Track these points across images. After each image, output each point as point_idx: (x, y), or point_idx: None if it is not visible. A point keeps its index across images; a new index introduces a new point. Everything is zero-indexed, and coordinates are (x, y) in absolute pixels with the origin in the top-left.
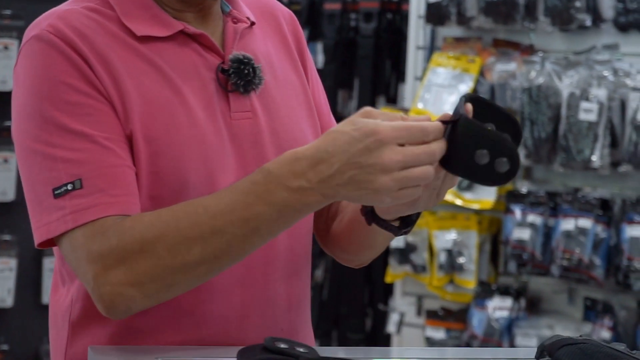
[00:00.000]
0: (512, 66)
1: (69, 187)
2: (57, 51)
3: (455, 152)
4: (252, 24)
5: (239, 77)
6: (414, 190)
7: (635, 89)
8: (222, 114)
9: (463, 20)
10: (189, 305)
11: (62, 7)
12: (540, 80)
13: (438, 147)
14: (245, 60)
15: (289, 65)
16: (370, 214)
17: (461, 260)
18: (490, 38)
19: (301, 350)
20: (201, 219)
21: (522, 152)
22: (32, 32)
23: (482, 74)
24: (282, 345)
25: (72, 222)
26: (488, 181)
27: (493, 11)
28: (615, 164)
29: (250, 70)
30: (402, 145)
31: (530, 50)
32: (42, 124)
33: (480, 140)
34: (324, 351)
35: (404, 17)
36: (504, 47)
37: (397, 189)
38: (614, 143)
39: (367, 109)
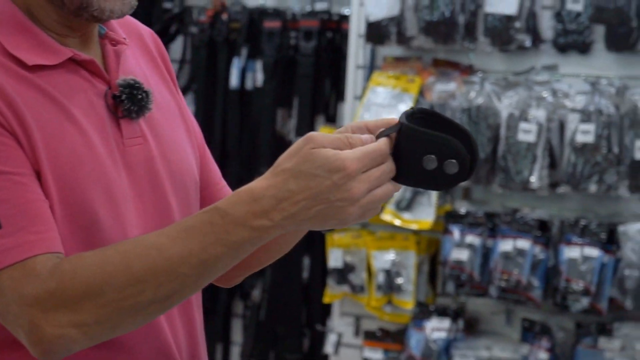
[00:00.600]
0: (451, 86)
1: None
2: None
3: (402, 163)
4: (125, 45)
5: (132, 102)
6: (377, 209)
7: (574, 110)
8: (115, 141)
9: (403, 39)
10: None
11: None
12: (480, 100)
13: (393, 163)
14: (137, 85)
15: (163, 85)
16: None
17: (399, 280)
18: (430, 58)
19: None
20: (155, 260)
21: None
22: None
23: (421, 93)
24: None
25: None
26: (440, 186)
27: (433, 31)
28: (553, 185)
29: (143, 94)
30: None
31: (469, 70)
32: None
33: (425, 145)
34: None
35: (344, 36)
36: (444, 67)
37: (363, 212)
38: (553, 164)
39: (311, 135)
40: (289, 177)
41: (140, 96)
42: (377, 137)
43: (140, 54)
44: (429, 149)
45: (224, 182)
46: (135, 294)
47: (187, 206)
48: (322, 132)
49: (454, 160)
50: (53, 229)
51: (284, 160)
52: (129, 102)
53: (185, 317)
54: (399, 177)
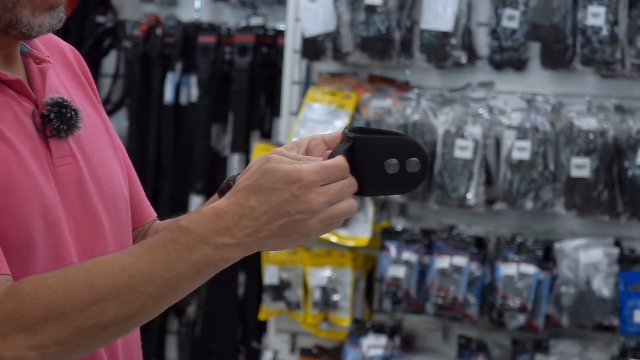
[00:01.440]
0: (387, 102)
1: None
2: None
3: (364, 175)
4: (48, 62)
5: (61, 121)
6: (339, 224)
7: (510, 127)
8: (47, 162)
9: (339, 55)
10: None
11: None
12: (416, 117)
13: (353, 178)
14: (65, 103)
15: (87, 103)
16: None
17: (336, 297)
18: (366, 74)
19: None
20: (118, 279)
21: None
22: None
23: (357, 110)
24: None
25: None
26: (407, 187)
27: (369, 47)
28: (490, 202)
29: (72, 113)
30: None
31: (405, 86)
32: None
33: (383, 151)
34: None
35: (279, 52)
36: (380, 83)
37: (325, 227)
38: (489, 181)
39: (268, 156)
40: (249, 193)
41: (69, 114)
42: (330, 157)
43: (63, 72)
44: (388, 154)
45: (147, 203)
46: (97, 313)
47: (119, 225)
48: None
49: (415, 158)
50: None
51: (244, 179)
52: (57, 120)
53: (124, 338)
54: (364, 190)
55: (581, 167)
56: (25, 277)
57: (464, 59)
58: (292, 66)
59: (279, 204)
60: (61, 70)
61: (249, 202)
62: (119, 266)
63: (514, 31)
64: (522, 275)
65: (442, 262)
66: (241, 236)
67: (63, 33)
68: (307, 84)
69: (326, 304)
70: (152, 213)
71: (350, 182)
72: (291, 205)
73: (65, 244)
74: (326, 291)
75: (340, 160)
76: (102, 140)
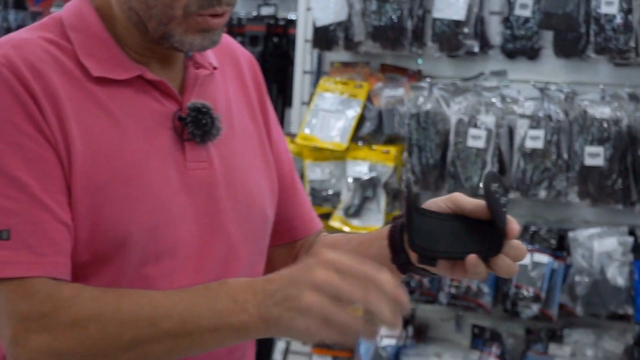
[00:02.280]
0: (399, 92)
1: None
2: (8, 87)
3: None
4: (214, 69)
5: (196, 126)
6: (334, 327)
7: (522, 116)
8: (176, 163)
9: (350, 45)
10: None
11: (19, 34)
12: (428, 106)
13: (387, 279)
14: (204, 110)
15: (247, 113)
16: (405, 264)
17: None
18: (377, 63)
19: None
20: (143, 308)
21: (411, 179)
22: None
23: (369, 99)
24: None
25: None
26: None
27: (381, 36)
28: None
29: (209, 120)
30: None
31: (418, 76)
32: None
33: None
34: None
35: (290, 41)
36: (392, 73)
37: (321, 316)
38: (502, 170)
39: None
40: (291, 269)
41: (204, 121)
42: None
43: (232, 79)
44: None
45: (313, 215)
46: (115, 336)
47: (250, 235)
48: None
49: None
50: (61, 253)
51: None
52: (192, 126)
53: None
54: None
55: (595, 156)
56: (75, 283)
57: (476, 47)
58: (303, 56)
59: (294, 272)
60: (230, 78)
61: (282, 271)
62: (148, 297)
63: (526, 20)
64: (536, 265)
65: None
66: (260, 297)
67: None
68: (318, 73)
69: None
70: (317, 225)
71: (380, 283)
72: (299, 274)
73: (170, 244)
74: None
75: (368, 267)
76: (251, 151)
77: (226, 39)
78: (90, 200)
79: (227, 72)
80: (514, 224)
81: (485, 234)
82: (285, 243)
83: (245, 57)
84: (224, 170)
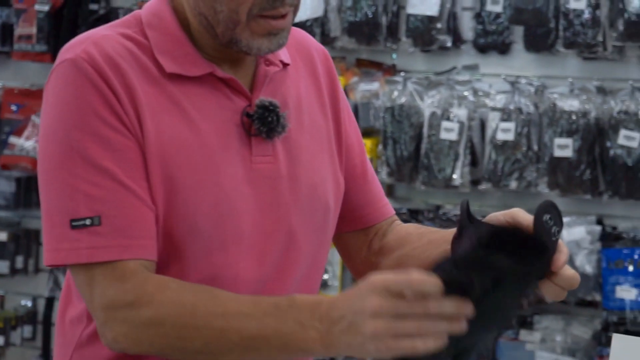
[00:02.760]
0: (375, 86)
1: (87, 222)
2: (89, 81)
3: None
4: (286, 66)
5: (262, 123)
6: (414, 342)
7: (494, 109)
8: (242, 157)
9: (327, 40)
10: None
11: (98, 31)
12: (403, 99)
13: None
14: (271, 108)
15: (318, 109)
16: None
17: (325, 276)
18: (353, 58)
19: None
20: (217, 318)
21: (384, 171)
22: (67, 55)
23: (346, 93)
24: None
25: (87, 257)
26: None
27: (356, 32)
28: (475, 182)
29: (274, 117)
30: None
31: (392, 70)
32: (69, 152)
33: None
34: None
35: None
36: (367, 67)
37: (390, 336)
38: (474, 161)
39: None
40: (349, 294)
41: (270, 119)
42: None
43: (305, 75)
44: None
45: (385, 202)
46: (186, 339)
47: (311, 226)
48: None
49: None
50: (150, 236)
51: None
52: (259, 122)
53: None
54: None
55: (564, 148)
56: (159, 275)
57: (449, 42)
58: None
59: (352, 300)
60: (303, 73)
61: (344, 295)
62: (223, 307)
63: (497, 15)
64: None
65: None
66: (326, 324)
67: (56, 20)
68: None
69: None
70: (389, 212)
71: (434, 302)
72: (356, 301)
73: (235, 233)
74: None
75: (424, 279)
76: (318, 144)
77: (300, 34)
78: (162, 187)
79: (299, 67)
80: (562, 255)
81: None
82: (359, 229)
83: (319, 51)
84: (289, 164)
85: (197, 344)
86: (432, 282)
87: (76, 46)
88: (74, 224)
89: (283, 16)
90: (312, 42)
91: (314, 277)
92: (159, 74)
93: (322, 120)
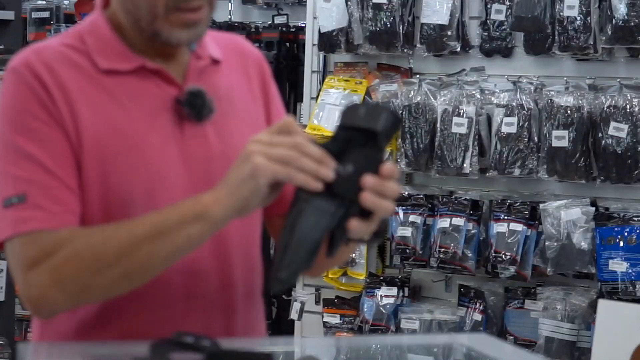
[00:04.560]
0: (394, 87)
1: (14, 200)
2: (26, 84)
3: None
4: (215, 61)
5: (191, 107)
6: (291, 160)
7: (499, 105)
8: (174, 139)
9: (351, 47)
10: (132, 298)
11: (44, 42)
12: (418, 98)
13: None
14: (198, 93)
15: (250, 100)
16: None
17: (353, 255)
18: (374, 63)
19: (205, 343)
20: (122, 225)
21: (403, 161)
22: (11, 64)
23: (368, 94)
24: (188, 339)
25: (12, 230)
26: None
27: (377, 40)
28: (483, 170)
29: (201, 101)
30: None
31: (409, 73)
32: (6, 145)
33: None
34: (230, 343)
35: (300, 46)
36: (387, 71)
37: (266, 153)
38: (482, 152)
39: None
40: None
41: (197, 102)
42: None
43: (238, 72)
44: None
45: None
46: (101, 254)
47: None
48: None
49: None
50: (69, 211)
51: None
52: (188, 106)
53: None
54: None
55: (560, 139)
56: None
57: (458, 48)
58: (311, 58)
59: (233, 165)
60: (235, 70)
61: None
62: (130, 220)
63: (501, 23)
64: (512, 232)
65: (443, 222)
66: (215, 190)
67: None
68: (324, 72)
69: (345, 261)
70: None
71: (291, 140)
72: (238, 160)
73: (164, 207)
74: None
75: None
76: (250, 131)
77: (237, 39)
78: (100, 168)
79: (232, 65)
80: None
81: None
82: (281, 215)
83: (252, 54)
84: (220, 145)
85: (110, 254)
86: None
87: (20, 55)
88: (5, 203)
89: (197, 9)
90: (248, 47)
91: (252, 250)
92: (95, 71)
93: (253, 109)
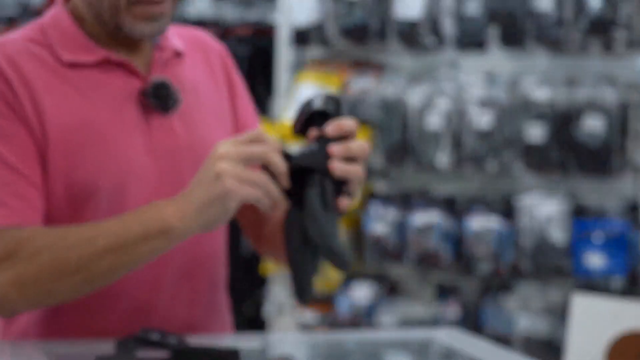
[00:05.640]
0: (367, 82)
1: None
2: None
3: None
4: (178, 54)
5: (156, 98)
6: (260, 185)
7: (473, 100)
8: (141, 131)
9: (324, 43)
10: (101, 298)
11: (5, 36)
12: (392, 94)
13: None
14: (163, 84)
15: (214, 93)
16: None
17: None
18: (348, 58)
19: (172, 341)
20: (84, 230)
21: (377, 157)
22: None
23: (343, 89)
24: (154, 336)
25: None
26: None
27: (350, 35)
28: (457, 165)
29: (166, 92)
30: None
31: (382, 68)
32: None
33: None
34: (195, 339)
35: (273, 41)
36: (360, 66)
37: (237, 177)
38: (457, 147)
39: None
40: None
41: (162, 93)
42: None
43: (201, 65)
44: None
45: None
46: (63, 260)
47: None
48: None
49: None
50: (31, 207)
51: None
52: (153, 98)
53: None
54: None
55: (536, 133)
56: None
57: (432, 42)
58: (285, 53)
59: (199, 177)
60: (198, 62)
61: (192, 181)
62: (90, 225)
63: (475, 17)
64: (487, 228)
65: (418, 218)
66: (179, 201)
67: None
68: (297, 68)
69: None
70: None
71: (261, 150)
72: (204, 173)
73: (133, 200)
74: None
75: (253, 132)
76: (216, 122)
77: (200, 33)
78: (65, 162)
79: (196, 59)
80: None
81: None
82: (250, 205)
83: (215, 48)
84: (186, 137)
85: (72, 262)
86: (255, 132)
87: None
88: None
89: (160, 2)
90: (209, 41)
91: (215, 241)
92: (58, 64)
93: (217, 102)
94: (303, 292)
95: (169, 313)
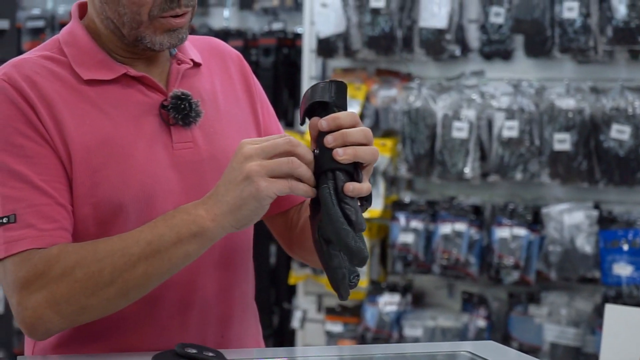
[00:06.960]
0: (393, 92)
1: (4, 220)
2: (8, 98)
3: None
4: (196, 64)
5: (177, 111)
6: (287, 178)
7: (499, 109)
8: (163, 145)
9: (349, 53)
10: (129, 313)
11: (22, 55)
12: (418, 103)
13: (296, 141)
14: (183, 97)
15: (233, 102)
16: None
17: None
18: (373, 68)
19: (209, 354)
20: (114, 243)
21: (404, 167)
22: None
23: (367, 99)
24: (192, 351)
25: (4, 251)
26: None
27: (375, 44)
28: (484, 175)
29: (187, 105)
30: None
31: (408, 77)
32: None
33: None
34: (232, 354)
35: (298, 52)
36: (386, 76)
37: (267, 173)
38: (483, 156)
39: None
40: (223, 175)
41: (183, 106)
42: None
43: (219, 74)
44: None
45: None
46: (96, 275)
47: None
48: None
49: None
50: (61, 228)
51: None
52: (174, 111)
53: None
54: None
55: (562, 142)
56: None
57: (457, 51)
58: (309, 64)
59: (227, 177)
60: (216, 72)
61: (219, 182)
62: (118, 236)
63: (500, 26)
64: (515, 237)
65: (445, 228)
66: (210, 203)
67: None
68: (322, 78)
69: None
70: (301, 197)
71: (289, 139)
72: (232, 163)
73: (160, 214)
74: None
75: (281, 140)
76: (237, 133)
77: (216, 42)
78: (90, 181)
79: (213, 68)
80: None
81: None
82: (279, 213)
83: (232, 55)
84: (209, 148)
85: (106, 274)
86: (283, 140)
87: (0, 70)
88: None
89: (181, 15)
90: (226, 48)
91: (244, 257)
92: (77, 82)
93: (238, 111)
94: (338, 290)
95: (200, 333)
